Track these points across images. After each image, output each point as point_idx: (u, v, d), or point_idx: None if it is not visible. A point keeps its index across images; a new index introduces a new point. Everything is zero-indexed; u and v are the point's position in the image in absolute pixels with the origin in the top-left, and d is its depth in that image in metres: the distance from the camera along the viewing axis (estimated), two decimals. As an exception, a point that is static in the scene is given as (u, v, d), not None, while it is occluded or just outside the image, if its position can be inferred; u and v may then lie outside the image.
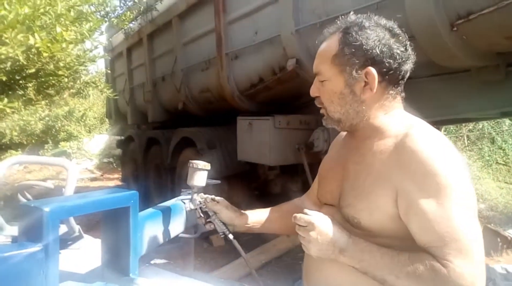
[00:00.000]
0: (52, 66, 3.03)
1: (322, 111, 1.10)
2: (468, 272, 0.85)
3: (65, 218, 1.21)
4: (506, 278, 2.89)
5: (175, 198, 1.41)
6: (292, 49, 3.24)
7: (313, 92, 1.10)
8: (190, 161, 1.26)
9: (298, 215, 0.98)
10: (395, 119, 1.03)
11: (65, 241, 1.31)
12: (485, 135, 7.55)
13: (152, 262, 1.24)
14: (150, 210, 1.30)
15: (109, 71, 7.42)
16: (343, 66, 1.01)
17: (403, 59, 1.00)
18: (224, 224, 1.23)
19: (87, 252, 1.24)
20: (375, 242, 0.96)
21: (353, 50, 0.99)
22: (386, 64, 0.98)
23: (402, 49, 1.00)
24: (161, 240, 1.27)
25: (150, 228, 1.21)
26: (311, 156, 3.44)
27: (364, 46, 0.98)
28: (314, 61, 1.09)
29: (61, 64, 3.04)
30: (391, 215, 0.95)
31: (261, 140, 3.61)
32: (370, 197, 0.97)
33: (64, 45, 2.74)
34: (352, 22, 1.02)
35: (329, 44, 1.04)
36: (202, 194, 1.25)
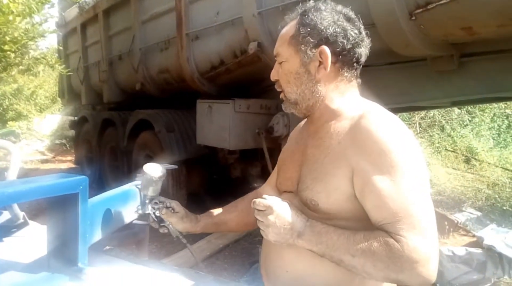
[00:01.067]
0: (-3, 39, 2.82)
1: (281, 95, 1.11)
2: (421, 246, 0.87)
3: (5, 205, 1.13)
4: (452, 260, 3.04)
5: (130, 183, 1.35)
6: (254, 32, 3.20)
7: (273, 75, 1.11)
8: (143, 167, 1.19)
9: (257, 200, 0.99)
10: (351, 103, 1.06)
11: (8, 228, 1.23)
12: (436, 123, 7.88)
13: (104, 250, 1.18)
14: (102, 195, 1.24)
15: (61, 48, 7.05)
16: (299, 46, 1.03)
17: (357, 41, 1.02)
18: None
19: (33, 240, 1.17)
20: (333, 224, 0.97)
21: (308, 29, 1.02)
22: (340, 43, 1.01)
23: (356, 31, 1.03)
24: (114, 227, 1.22)
25: (101, 215, 1.15)
26: (271, 140, 3.45)
27: (318, 26, 1.01)
28: (275, 45, 1.10)
29: (8, 38, 2.83)
30: (348, 196, 0.96)
31: (221, 124, 3.57)
32: (327, 178, 0.98)
33: (11, 17, 2.55)
34: (310, 6, 1.06)
35: (288, 27, 1.08)
36: (155, 199, 1.20)
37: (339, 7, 1.05)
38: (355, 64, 1.05)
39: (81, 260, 0.97)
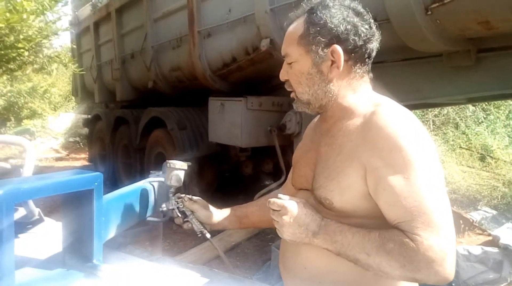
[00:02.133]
0: (12, 38, 2.85)
1: (292, 95, 1.10)
2: (437, 244, 0.85)
3: (20, 201, 1.14)
4: (467, 259, 3.00)
5: (143, 180, 1.35)
6: (266, 29, 3.18)
7: (282, 75, 1.10)
8: (167, 161, 1.25)
9: (272, 200, 0.98)
10: (363, 99, 1.04)
11: (24, 225, 1.23)
12: (450, 121, 7.77)
13: (118, 247, 1.18)
14: (116, 192, 1.24)
15: (74, 47, 7.11)
16: (309, 46, 1.01)
17: (368, 37, 1.00)
18: (202, 223, 1.23)
19: (48, 237, 1.17)
20: (348, 223, 0.95)
21: (318, 28, 0.99)
22: (351, 41, 0.99)
23: (367, 26, 1.00)
24: (127, 224, 1.22)
25: (116, 211, 1.15)
26: (283, 138, 3.43)
27: (329, 24, 0.98)
28: (282, 45, 1.08)
29: (22, 37, 2.86)
30: (362, 194, 0.95)
31: (233, 121, 3.57)
32: (340, 177, 0.97)
33: (24, 15, 2.58)
34: (316, 3, 1.03)
35: (295, 26, 1.04)
36: (178, 193, 1.25)
37: (347, 2, 1.03)
38: (367, 59, 1.03)
39: (96, 256, 0.97)
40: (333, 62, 1.00)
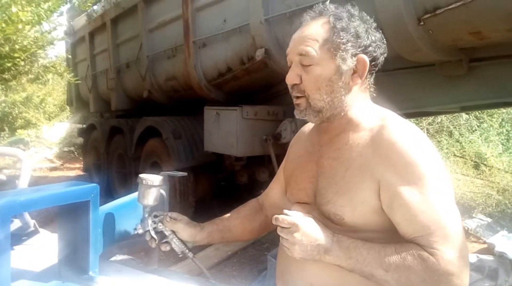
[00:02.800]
0: (7, 48, 2.85)
1: (300, 100, 1.03)
2: (456, 257, 0.85)
3: (17, 213, 1.14)
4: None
5: (139, 191, 1.35)
6: (261, 39, 3.20)
7: (291, 79, 1.02)
8: (140, 176, 1.10)
9: (280, 217, 0.93)
10: (367, 111, 1.02)
11: (19, 237, 1.23)
12: (444, 129, 7.82)
13: (113, 258, 1.18)
14: (112, 203, 1.24)
15: (69, 56, 7.12)
16: (337, 51, 0.97)
17: (384, 51, 1.02)
18: (183, 242, 1.13)
19: (43, 248, 1.17)
20: (358, 237, 0.94)
21: (348, 35, 0.97)
22: (373, 53, 0.99)
23: (383, 41, 1.02)
24: (124, 235, 1.21)
25: (112, 223, 1.15)
26: (278, 147, 3.44)
27: (358, 33, 0.97)
28: (294, 45, 1.01)
29: (17, 47, 2.87)
30: (374, 209, 0.94)
31: (229, 130, 3.57)
32: (352, 192, 0.95)
33: (20, 26, 2.58)
34: (339, 9, 1.01)
35: (318, 26, 0.99)
36: (155, 212, 1.11)
37: (364, 15, 1.02)
38: (374, 71, 1.03)
39: (92, 268, 0.97)
40: (355, 71, 0.99)
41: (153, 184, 1.08)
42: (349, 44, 0.96)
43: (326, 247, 0.93)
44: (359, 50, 0.97)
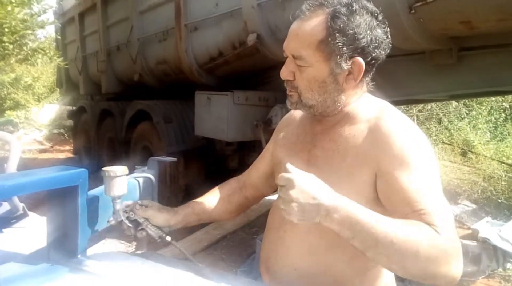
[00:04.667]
0: (-5, 30, 2.80)
1: (292, 93, 1.02)
2: (455, 239, 0.85)
3: (5, 198, 1.14)
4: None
5: (129, 176, 1.36)
6: (253, 24, 3.18)
7: (285, 75, 1.01)
8: (103, 169, 1.08)
9: (281, 174, 0.87)
10: (364, 103, 1.02)
11: (8, 220, 1.24)
12: (433, 116, 7.88)
13: (102, 242, 1.19)
14: (101, 188, 1.24)
15: (59, 37, 6.99)
16: (331, 54, 0.94)
17: (386, 49, 0.98)
18: (158, 227, 1.10)
19: (32, 232, 1.18)
20: None
21: (344, 38, 0.92)
22: (373, 54, 0.95)
23: (385, 36, 0.97)
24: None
25: (101, 207, 1.16)
26: (269, 132, 3.44)
27: (355, 35, 0.92)
28: (289, 42, 0.99)
29: (6, 29, 2.81)
30: (367, 200, 0.94)
31: (219, 115, 3.57)
32: (347, 184, 0.95)
33: (9, 8, 2.53)
34: (339, 2, 0.94)
35: (314, 26, 0.94)
36: (125, 202, 1.10)
37: (369, 5, 0.97)
38: (375, 67, 1.00)
39: (80, 251, 0.98)
40: (350, 72, 0.96)
41: (116, 175, 1.07)
42: (345, 48, 0.92)
43: (328, 208, 0.83)
44: (356, 52, 0.94)
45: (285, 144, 1.16)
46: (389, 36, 0.99)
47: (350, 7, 0.93)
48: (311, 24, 0.95)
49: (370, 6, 0.97)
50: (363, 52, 0.94)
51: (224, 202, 1.23)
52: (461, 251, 0.85)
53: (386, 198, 0.93)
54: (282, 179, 0.85)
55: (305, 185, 0.83)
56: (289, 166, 0.87)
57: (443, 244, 0.83)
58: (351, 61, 0.94)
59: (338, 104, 1.00)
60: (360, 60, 0.94)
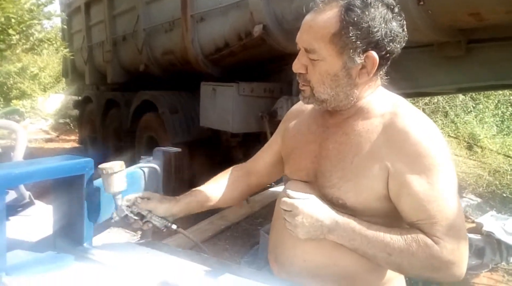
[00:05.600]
0: (2, 19, 2.80)
1: (305, 88, 1.01)
2: (457, 248, 0.88)
3: (12, 186, 1.15)
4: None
5: (134, 166, 1.37)
6: (259, 14, 3.16)
7: (297, 67, 1.00)
8: (99, 167, 1.07)
9: (283, 199, 0.95)
10: (378, 98, 1.01)
11: (14, 208, 1.25)
12: (440, 109, 7.83)
13: (107, 231, 1.20)
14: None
15: (65, 27, 6.99)
16: (344, 48, 0.92)
17: (401, 42, 0.96)
18: (163, 217, 1.12)
19: (38, 220, 1.19)
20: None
21: (359, 32, 0.90)
22: (387, 48, 0.93)
23: (401, 30, 0.95)
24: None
25: (106, 196, 1.16)
26: (274, 124, 3.44)
27: (370, 28, 0.90)
28: (302, 34, 0.97)
29: (13, 21, 2.82)
30: (378, 196, 0.95)
31: (225, 106, 3.57)
32: (358, 179, 0.95)
33: (16, -1, 2.53)
34: None
35: (327, 19, 0.93)
36: (127, 196, 1.10)
37: None
38: (390, 61, 0.98)
39: (86, 240, 0.99)
40: (363, 66, 0.94)
41: (114, 171, 1.06)
42: (359, 41, 0.91)
43: (329, 227, 0.94)
44: (370, 46, 0.92)
45: (295, 135, 1.15)
46: (405, 29, 0.96)
47: (364, 0, 0.92)
48: (324, 17, 0.93)
49: (389, 0, 0.94)
50: (377, 46, 0.92)
51: (228, 190, 1.24)
52: (466, 255, 0.90)
53: (396, 198, 0.94)
54: (286, 205, 0.94)
55: (308, 210, 0.93)
56: (290, 192, 0.96)
57: (439, 254, 0.88)
58: (364, 55, 0.92)
59: (351, 98, 0.98)
60: (374, 54, 0.92)
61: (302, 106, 1.19)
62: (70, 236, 1.00)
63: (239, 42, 3.51)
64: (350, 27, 0.90)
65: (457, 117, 7.39)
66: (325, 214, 0.94)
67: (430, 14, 2.23)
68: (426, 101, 7.88)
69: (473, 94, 7.23)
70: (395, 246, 0.90)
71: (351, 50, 0.92)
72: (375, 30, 0.90)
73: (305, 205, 0.93)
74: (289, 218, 0.94)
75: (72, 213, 0.99)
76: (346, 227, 0.93)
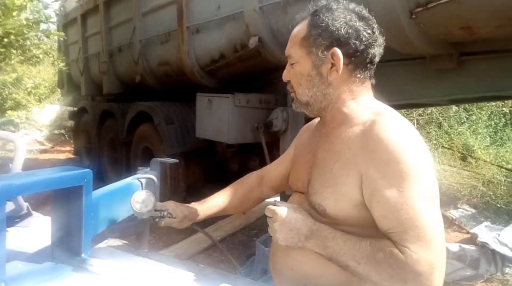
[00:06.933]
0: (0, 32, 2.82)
1: (292, 95, 1.10)
2: (425, 258, 0.86)
3: (11, 198, 1.15)
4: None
5: (132, 177, 1.38)
6: (255, 27, 3.20)
7: (285, 76, 1.10)
8: (132, 205, 1.17)
9: (267, 206, 1.01)
10: (364, 106, 1.03)
11: (12, 219, 1.25)
12: (433, 120, 7.90)
13: (105, 241, 1.21)
14: (106, 188, 1.26)
15: (62, 39, 7.01)
16: (310, 48, 1.01)
17: (370, 42, 0.99)
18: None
19: (36, 231, 1.19)
20: (340, 230, 0.96)
21: (320, 31, 0.99)
22: (352, 45, 0.98)
23: (369, 31, 0.99)
24: (116, 219, 1.24)
25: (104, 207, 1.17)
26: (269, 135, 3.46)
27: (330, 27, 0.98)
28: (287, 46, 1.09)
29: (12, 37, 2.83)
30: (356, 203, 0.96)
31: (220, 117, 3.59)
32: (336, 185, 0.98)
33: (14, 13, 2.56)
34: (322, 5, 1.03)
35: (300, 28, 1.05)
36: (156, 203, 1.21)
37: (352, 5, 1.02)
38: (368, 65, 1.02)
39: (84, 251, 1.00)
40: (332, 65, 1.00)
41: (143, 214, 1.17)
42: (321, 39, 0.99)
43: (306, 234, 0.97)
44: (332, 43, 0.99)
45: (299, 149, 1.24)
46: (377, 33, 1.01)
47: (328, 7, 1.02)
48: (299, 27, 1.06)
49: (353, 6, 1.03)
50: (340, 43, 0.99)
51: (242, 199, 1.38)
52: (437, 266, 0.87)
53: (369, 206, 0.94)
54: (268, 211, 1.00)
55: (287, 216, 0.98)
56: (275, 202, 1.03)
57: (404, 264, 0.86)
58: (329, 52, 0.99)
59: (329, 98, 1.03)
60: (337, 50, 0.98)
61: (312, 123, 1.26)
62: (68, 246, 1.00)
63: (234, 54, 3.54)
64: (313, 29, 1.01)
65: (451, 128, 7.46)
66: (302, 221, 0.98)
67: (422, 27, 2.28)
68: (420, 112, 7.95)
69: (467, 105, 7.31)
70: (363, 254, 0.91)
71: (315, 48, 1.01)
72: (336, 28, 0.98)
73: (284, 212, 0.98)
74: (270, 224, 1.00)
75: (70, 223, 1.00)
76: (320, 234, 0.97)
